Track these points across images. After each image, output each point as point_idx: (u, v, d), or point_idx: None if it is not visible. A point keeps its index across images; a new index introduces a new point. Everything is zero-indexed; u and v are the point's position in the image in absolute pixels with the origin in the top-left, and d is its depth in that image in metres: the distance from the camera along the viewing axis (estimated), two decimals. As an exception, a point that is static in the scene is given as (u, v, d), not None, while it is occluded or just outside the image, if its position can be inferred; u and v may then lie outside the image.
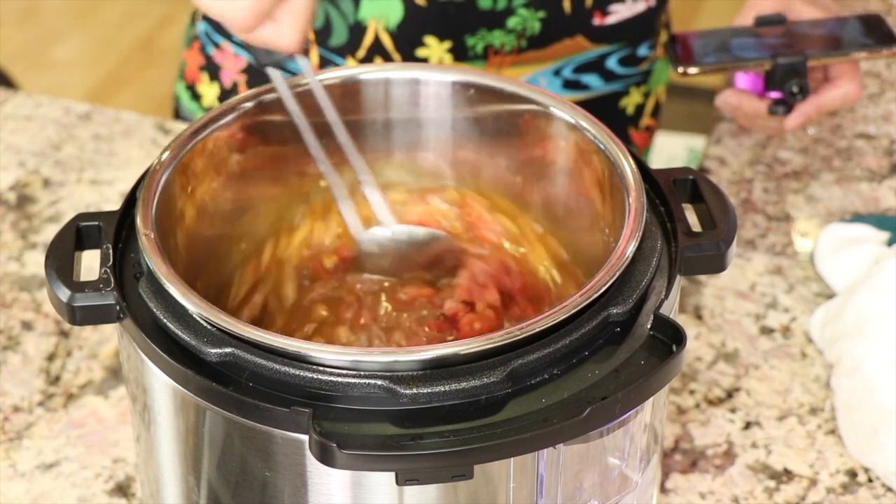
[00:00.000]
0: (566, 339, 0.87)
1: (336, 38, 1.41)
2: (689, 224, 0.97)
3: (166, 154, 0.99)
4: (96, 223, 0.97)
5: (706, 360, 1.26)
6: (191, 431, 0.91)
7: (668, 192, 0.99)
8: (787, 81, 1.32)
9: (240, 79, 1.49)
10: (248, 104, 1.04)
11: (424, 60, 1.40)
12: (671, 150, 2.96)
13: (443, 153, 1.11)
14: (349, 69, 1.08)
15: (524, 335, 0.86)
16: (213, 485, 0.92)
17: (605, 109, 1.47)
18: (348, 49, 1.41)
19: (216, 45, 1.50)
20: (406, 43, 1.40)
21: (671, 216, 0.97)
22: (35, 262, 1.36)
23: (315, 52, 1.42)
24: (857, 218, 1.38)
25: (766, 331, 1.29)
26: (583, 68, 1.45)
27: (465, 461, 0.83)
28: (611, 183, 1.00)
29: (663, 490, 1.15)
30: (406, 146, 1.11)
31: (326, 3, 1.39)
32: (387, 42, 1.40)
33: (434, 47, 1.40)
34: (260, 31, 0.99)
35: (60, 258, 0.94)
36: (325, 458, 0.82)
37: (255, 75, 1.48)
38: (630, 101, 1.51)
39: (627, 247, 0.91)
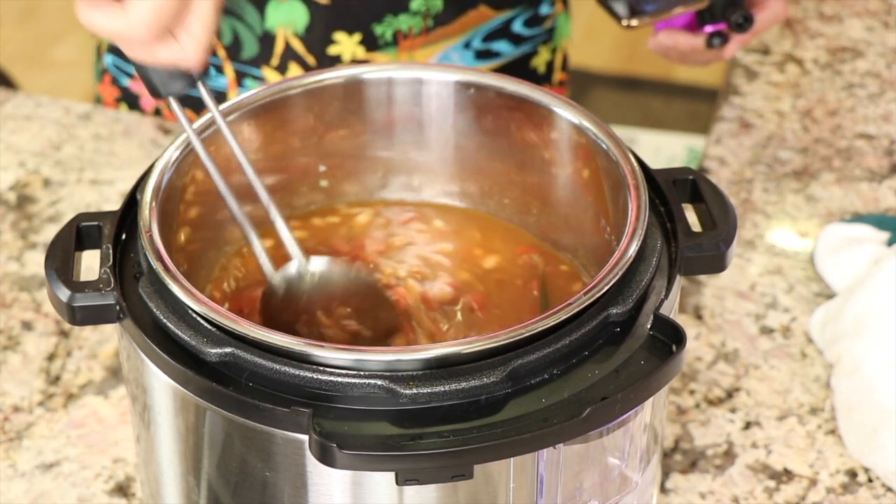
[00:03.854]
0: (566, 339, 0.87)
1: (247, 51, 1.44)
2: (689, 224, 0.97)
3: (167, 154, 0.99)
4: (96, 223, 0.97)
5: (706, 360, 1.26)
6: (191, 431, 0.91)
7: (668, 192, 0.99)
8: (732, 14, 1.34)
9: (161, 104, 1.51)
10: (250, 105, 1.04)
11: (337, 58, 1.42)
12: (671, 150, 2.96)
13: (444, 153, 1.11)
14: (351, 69, 1.08)
15: (524, 335, 0.86)
16: (213, 485, 0.92)
17: (517, 73, 1.49)
18: (261, 60, 1.44)
19: (130, 76, 1.51)
20: (317, 44, 1.42)
21: (671, 216, 0.97)
22: (35, 262, 1.36)
23: (230, 68, 1.45)
24: (857, 218, 1.38)
25: (766, 331, 1.29)
26: (491, 36, 1.47)
27: (465, 461, 0.83)
28: (613, 182, 1.00)
29: (663, 490, 1.15)
30: (407, 146, 1.11)
31: (233, 18, 1.41)
32: (298, 46, 1.42)
33: (345, 43, 1.42)
34: (160, 51, 0.93)
35: (60, 258, 0.94)
36: (325, 458, 0.82)
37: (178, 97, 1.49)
38: (540, 61, 1.53)
39: (629, 247, 0.91)
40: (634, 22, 1.33)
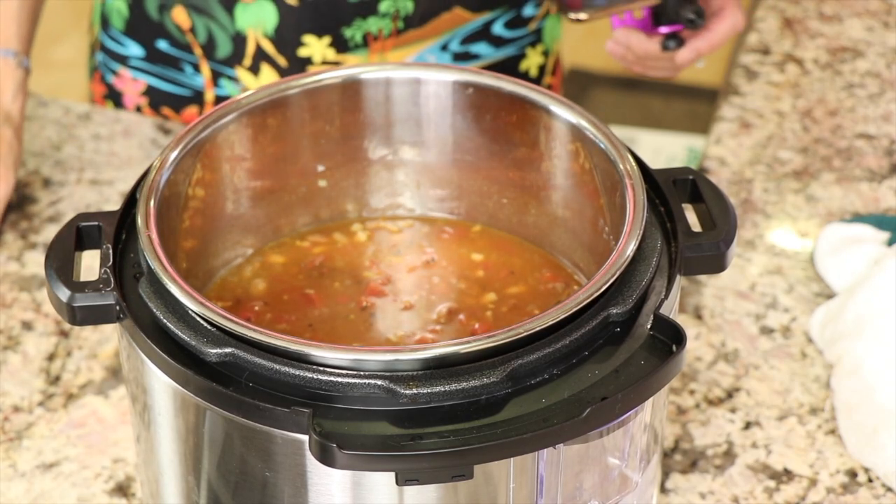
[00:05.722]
0: (566, 339, 0.87)
1: (221, 50, 1.44)
2: (689, 224, 0.97)
3: (166, 154, 0.99)
4: (96, 223, 0.97)
5: (706, 360, 1.26)
6: (191, 431, 0.91)
7: (668, 192, 0.99)
8: (682, 10, 1.32)
9: (142, 101, 1.52)
10: (249, 105, 1.04)
11: (308, 59, 1.42)
12: (671, 150, 2.96)
13: (442, 152, 1.11)
14: (349, 69, 1.08)
15: (524, 335, 0.86)
16: (213, 485, 0.92)
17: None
18: (235, 59, 1.44)
19: (114, 73, 1.53)
20: (287, 45, 1.42)
21: (671, 216, 0.97)
22: (35, 262, 1.36)
23: (206, 67, 1.45)
24: (857, 218, 1.38)
25: (766, 331, 1.29)
26: (470, 38, 1.46)
27: (465, 461, 0.83)
28: (611, 182, 1.00)
29: (663, 490, 1.15)
30: (406, 145, 1.11)
31: (206, 17, 1.42)
32: (268, 48, 1.42)
33: (314, 45, 1.42)
34: None
35: (60, 258, 0.94)
36: (325, 458, 0.82)
37: (156, 97, 1.50)
38: (531, 63, 1.52)
39: (627, 246, 0.91)
40: (583, 15, 1.31)
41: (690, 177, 1.00)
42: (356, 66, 1.08)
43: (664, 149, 2.96)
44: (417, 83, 1.08)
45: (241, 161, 1.06)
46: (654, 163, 1.03)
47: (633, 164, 0.98)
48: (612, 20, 1.38)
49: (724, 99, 1.59)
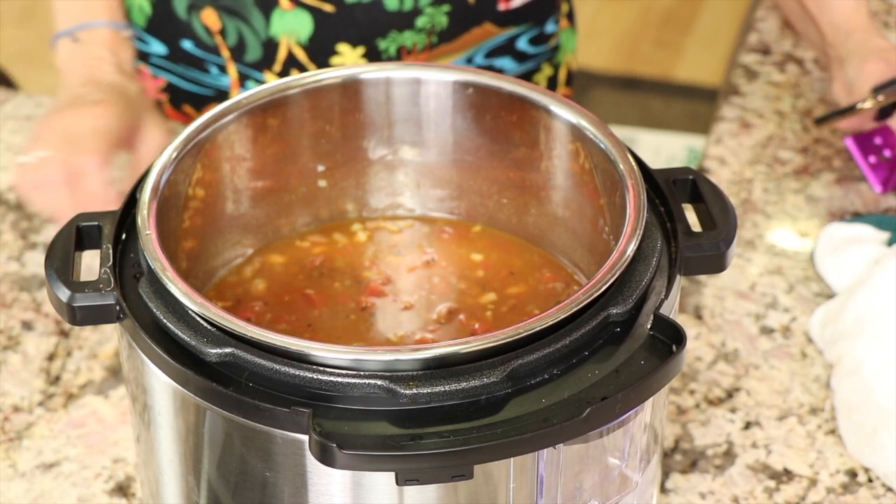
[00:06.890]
0: (566, 339, 0.87)
1: (251, 54, 1.44)
2: (689, 224, 0.97)
3: (166, 154, 0.99)
4: (96, 223, 0.97)
5: (706, 360, 1.26)
6: (191, 431, 0.91)
7: (668, 192, 0.99)
8: None
9: (162, 98, 1.51)
10: (249, 105, 1.04)
11: None
12: (671, 150, 2.96)
13: (442, 152, 1.11)
14: (349, 69, 1.08)
15: (524, 335, 0.86)
16: (213, 485, 0.92)
17: None
18: (264, 64, 1.44)
19: None
20: (319, 53, 1.42)
21: (671, 216, 0.97)
22: (35, 262, 1.36)
23: (233, 68, 1.45)
24: (857, 218, 1.38)
25: (766, 331, 1.29)
26: (494, 53, 1.47)
27: (465, 461, 0.83)
28: (611, 182, 1.00)
29: (663, 490, 1.15)
30: (406, 145, 1.11)
31: (238, 20, 1.41)
32: (300, 55, 1.42)
33: (347, 54, 1.41)
34: None
35: (60, 258, 0.94)
36: (325, 458, 0.82)
37: (177, 94, 1.50)
38: (541, 76, 1.53)
39: (627, 246, 0.91)
40: (868, 103, 1.35)
41: (690, 177, 1.00)
42: (356, 66, 1.08)
43: (664, 149, 2.96)
44: (417, 83, 1.08)
45: (241, 161, 1.06)
46: (654, 163, 1.03)
47: (634, 164, 0.98)
48: (858, 162, 1.41)
49: (724, 99, 1.59)
